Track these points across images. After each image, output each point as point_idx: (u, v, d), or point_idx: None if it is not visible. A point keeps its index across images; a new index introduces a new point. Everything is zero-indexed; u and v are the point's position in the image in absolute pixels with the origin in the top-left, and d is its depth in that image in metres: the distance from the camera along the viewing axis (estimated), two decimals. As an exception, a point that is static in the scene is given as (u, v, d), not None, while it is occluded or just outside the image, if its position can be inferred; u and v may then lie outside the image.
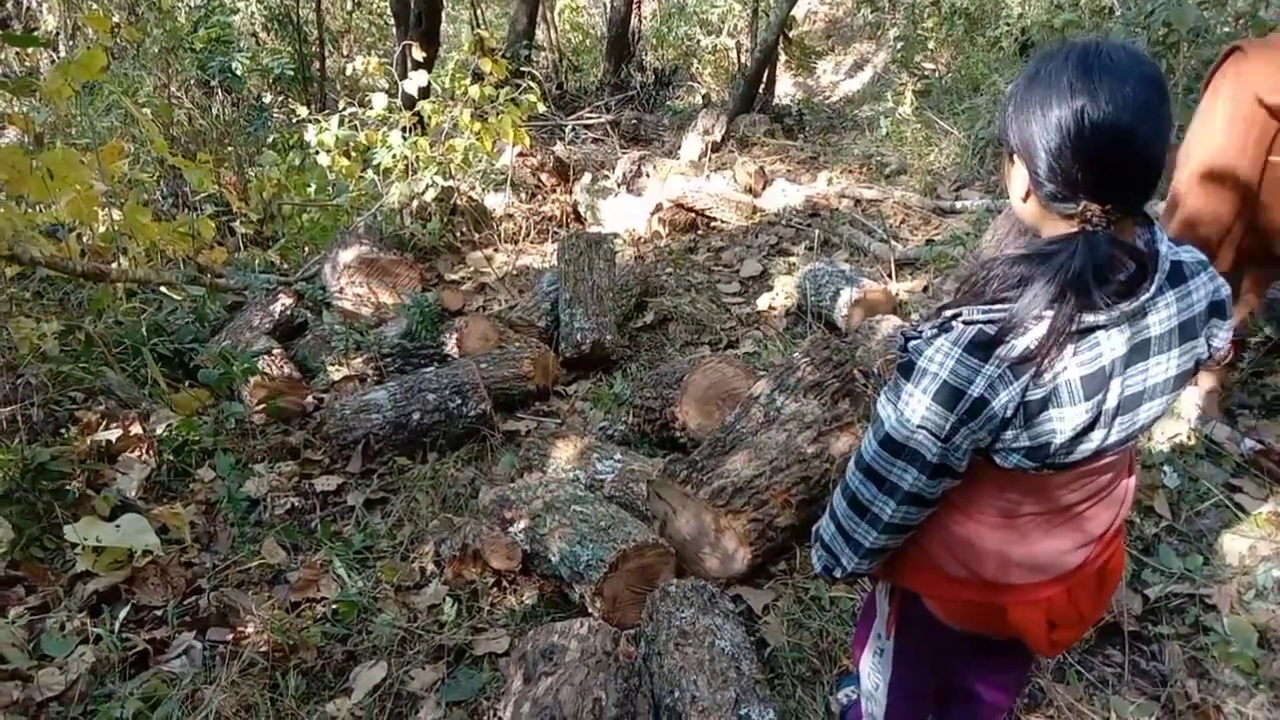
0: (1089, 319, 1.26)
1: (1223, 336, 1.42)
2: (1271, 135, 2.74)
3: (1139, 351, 1.32)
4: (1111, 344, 1.29)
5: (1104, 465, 1.44)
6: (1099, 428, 1.34)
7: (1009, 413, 1.30)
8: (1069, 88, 1.22)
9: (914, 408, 1.35)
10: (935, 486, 1.42)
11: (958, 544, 1.54)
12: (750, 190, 7.57)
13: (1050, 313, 1.24)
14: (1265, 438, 3.25)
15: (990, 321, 1.28)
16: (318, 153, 6.68)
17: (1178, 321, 1.34)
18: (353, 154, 6.83)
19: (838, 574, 1.65)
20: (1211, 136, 2.87)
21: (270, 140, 7.73)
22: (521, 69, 8.64)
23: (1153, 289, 1.28)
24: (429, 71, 7.17)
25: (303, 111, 7.50)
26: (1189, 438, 3.31)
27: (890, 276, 5.47)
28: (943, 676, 1.94)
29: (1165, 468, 3.16)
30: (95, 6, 9.22)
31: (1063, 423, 1.30)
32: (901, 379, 1.38)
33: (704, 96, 13.11)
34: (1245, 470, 3.17)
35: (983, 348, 1.28)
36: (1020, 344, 1.26)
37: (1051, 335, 1.24)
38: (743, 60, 13.02)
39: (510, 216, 7.05)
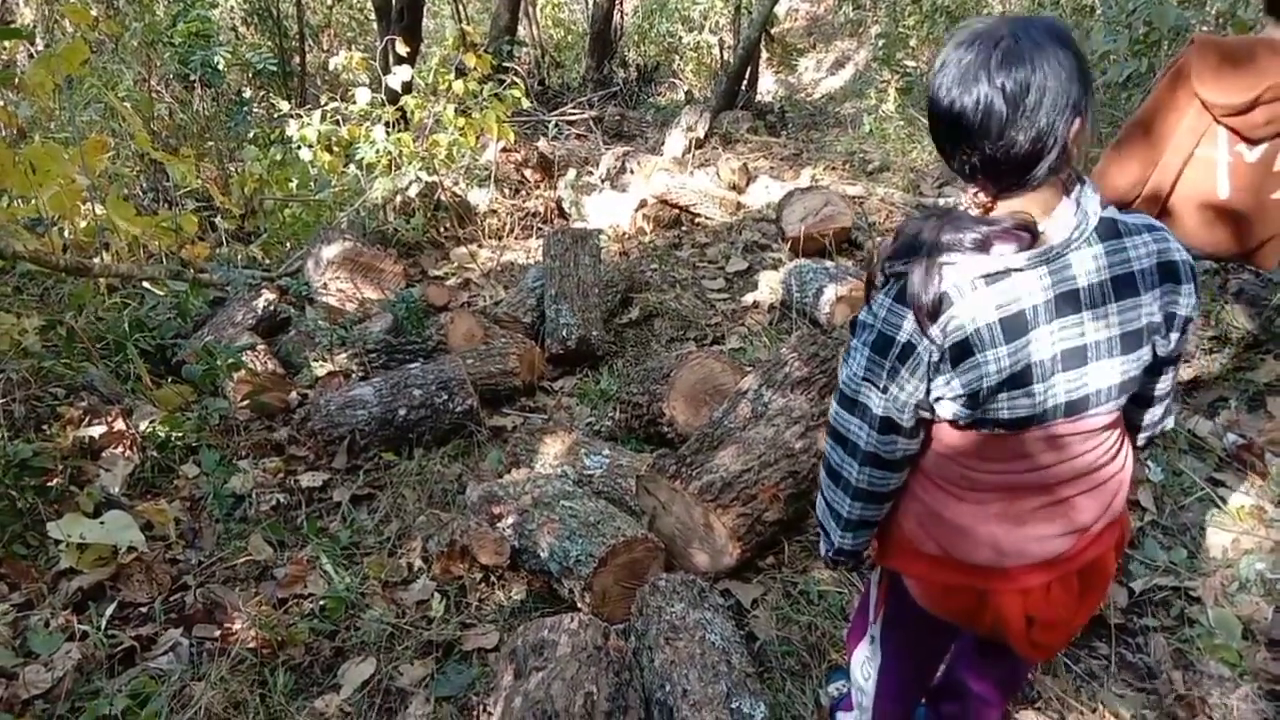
0: (996, 263, 1.33)
1: (1186, 303, 1.40)
2: (1203, 130, 2.76)
3: (1067, 303, 1.35)
4: (1029, 287, 1.34)
5: (1064, 435, 1.44)
6: (1036, 382, 1.37)
7: (935, 356, 1.38)
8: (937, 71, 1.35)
9: (858, 360, 1.48)
10: (889, 445, 1.51)
11: (928, 516, 1.58)
12: (734, 187, 7.57)
13: (947, 263, 1.35)
14: (1247, 432, 3.29)
15: (908, 272, 1.38)
16: (300, 148, 6.64)
17: (1109, 275, 1.36)
18: (335, 149, 6.79)
19: (831, 552, 1.74)
20: (1142, 115, 2.90)
21: (251, 135, 7.68)
22: (504, 65, 8.62)
23: (1069, 236, 1.33)
24: (411, 66, 7.15)
25: (284, 106, 7.46)
26: (1172, 432, 3.34)
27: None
28: (930, 667, 1.96)
29: (1149, 462, 3.19)
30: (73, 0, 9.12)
31: (988, 365, 1.35)
32: (851, 336, 1.49)
33: (686, 93, 13.12)
34: (1228, 464, 3.20)
35: (906, 297, 1.38)
36: (926, 292, 1.36)
37: (924, 281, 1.35)
38: (725, 57, 13.05)
39: (494, 212, 7.03)
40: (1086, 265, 1.35)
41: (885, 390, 1.45)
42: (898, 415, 1.47)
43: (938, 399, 1.42)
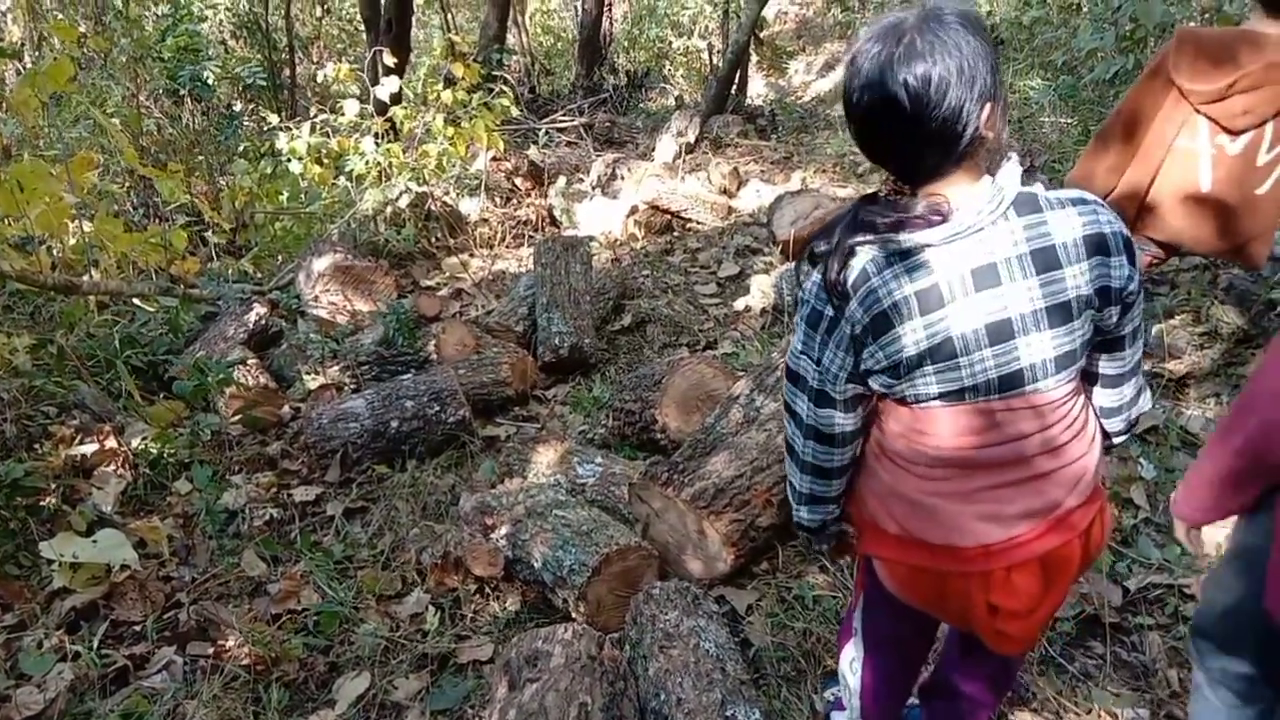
0: (909, 241, 1.37)
1: (1119, 275, 1.40)
2: (1181, 120, 2.77)
3: (985, 276, 1.37)
4: (943, 263, 1.38)
5: (1011, 410, 1.44)
6: (961, 355, 1.39)
7: (857, 330, 1.44)
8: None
9: (797, 335, 1.57)
10: (827, 420, 1.59)
11: (886, 492, 1.61)
12: (725, 191, 7.58)
13: (858, 243, 1.42)
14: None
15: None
16: (289, 160, 6.63)
17: (1028, 249, 1.37)
18: (325, 161, 6.79)
19: (799, 528, 1.82)
20: (1122, 107, 2.92)
21: (241, 149, 7.68)
22: (494, 73, 8.63)
23: (979, 212, 1.35)
24: (400, 77, 7.15)
25: (273, 119, 7.45)
26: (1163, 429, 3.34)
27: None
28: (912, 660, 1.97)
29: (1142, 460, 3.19)
30: (61, 17, 9.13)
31: (905, 338, 1.40)
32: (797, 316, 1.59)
33: (677, 98, 13.13)
34: (1220, 460, 3.19)
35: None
36: (835, 270, 1.44)
37: (833, 258, 1.43)
38: (714, 62, 13.06)
39: (485, 221, 7.03)
40: (1003, 239, 1.37)
41: (818, 363, 1.54)
42: (831, 388, 1.55)
43: (866, 371, 1.49)
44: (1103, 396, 1.60)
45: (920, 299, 1.38)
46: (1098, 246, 1.38)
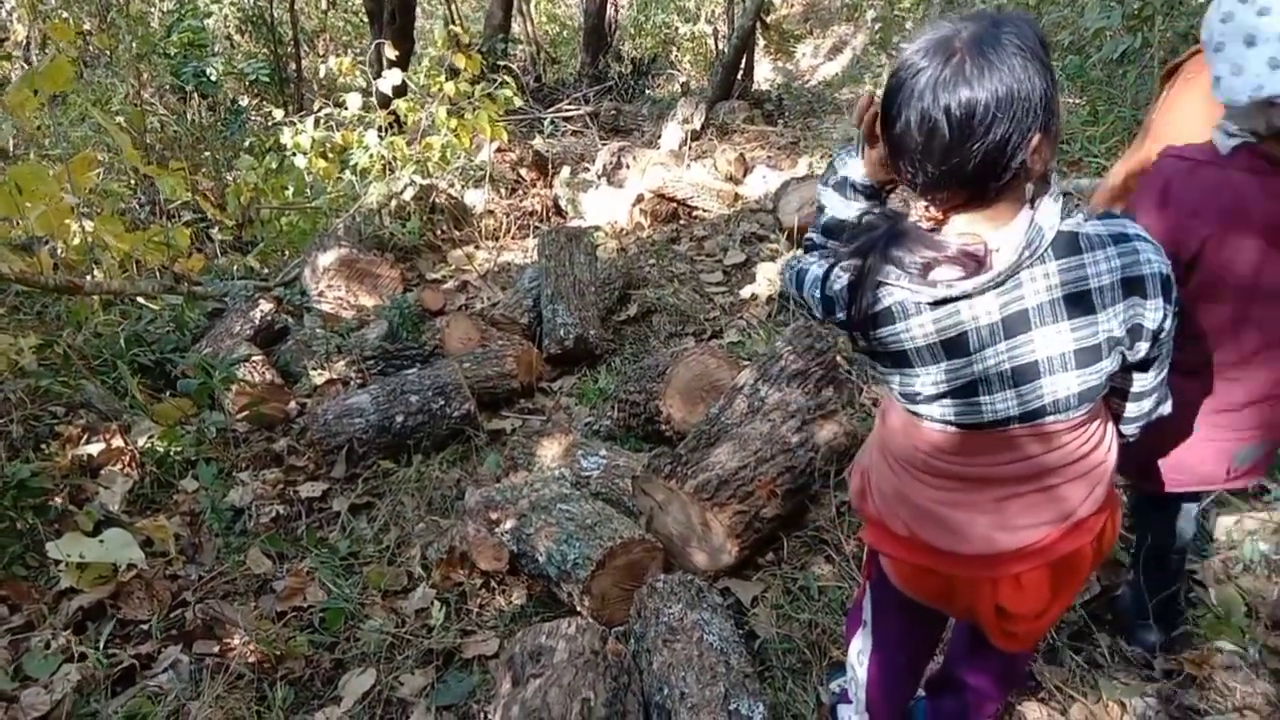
0: (942, 292, 1.31)
1: (1153, 317, 1.35)
2: None
3: (1016, 323, 1.32)
4: (974, 311, 1.33)
5: (1027, 435, 1.42)
6: (983, 395, 1.37)
7: (878, 352, 1.44)
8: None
9: (814, 300, 1.49)
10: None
11: (896, 497, 1.59)
12: (731, 178, 7.53)
13: (888, 282, 1.36)
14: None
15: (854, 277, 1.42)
16: (294, 155, 6.63)
17: (1061, 294, 1.31)
18: (330, 155, 6.79)
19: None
20: (1180, 120, 2.86)
21: (246, 144, 7.68)
22: (498, 63, 8.60)
23: (1018, 258, 1.28)
24: (404, 69, 7.13)
25: (279, 114, 7.45)
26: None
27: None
28: (919, 653, 1.96)
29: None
30: (65, 15, 9.13)
31: (926, 378, 1.39)
32: (801, 264, 1.59)
33: (683, 85, 13.08)
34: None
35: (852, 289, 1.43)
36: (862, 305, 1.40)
37: (859, 290, 1.38)
38: (720, 47, 12.99)
39: (490, 213, 7.01)
40: (1037, 284, 1.31)
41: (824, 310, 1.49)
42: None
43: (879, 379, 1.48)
44: (1121, 407, 1.57)
45: (946, 347, 1.35)
46: (1134, 288, 1.32)
